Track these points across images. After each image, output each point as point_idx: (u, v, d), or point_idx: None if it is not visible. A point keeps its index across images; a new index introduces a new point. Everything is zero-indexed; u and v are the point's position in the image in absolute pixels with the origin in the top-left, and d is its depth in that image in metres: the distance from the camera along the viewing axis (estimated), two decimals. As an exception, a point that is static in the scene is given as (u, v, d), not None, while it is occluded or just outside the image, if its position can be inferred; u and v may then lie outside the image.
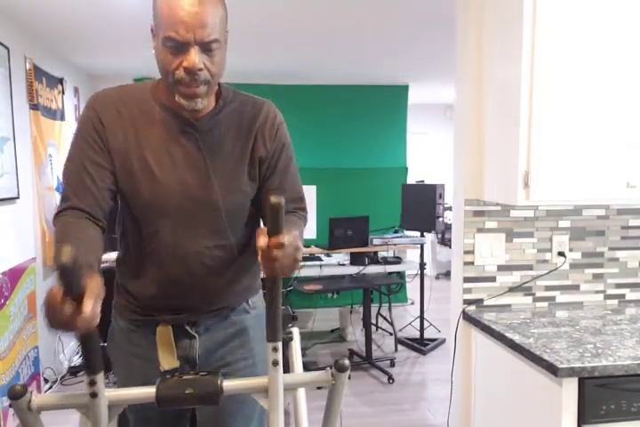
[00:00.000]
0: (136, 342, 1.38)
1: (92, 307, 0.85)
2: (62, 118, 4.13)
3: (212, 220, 1.30)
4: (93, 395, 0.95)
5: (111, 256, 3.10)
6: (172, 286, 1.33)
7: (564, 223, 2.12)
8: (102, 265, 1.15)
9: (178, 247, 1.30)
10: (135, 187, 1.27)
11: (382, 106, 5.73)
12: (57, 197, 3.91)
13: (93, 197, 1.22)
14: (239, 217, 1.34)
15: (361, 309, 4.50)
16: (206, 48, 1.14)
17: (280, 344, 0.99)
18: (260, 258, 0.96)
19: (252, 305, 1.44)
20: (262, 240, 0.93)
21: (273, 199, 0.88)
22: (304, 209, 1.41)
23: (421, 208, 4.43)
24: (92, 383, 0.94)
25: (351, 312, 4.82)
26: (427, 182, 5.22)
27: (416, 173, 6.19)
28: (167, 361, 1.34)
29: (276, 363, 0.99)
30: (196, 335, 1.36)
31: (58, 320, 0.85)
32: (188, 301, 1.34)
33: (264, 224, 1.35)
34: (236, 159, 1.30)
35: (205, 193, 1.28)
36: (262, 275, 1.49)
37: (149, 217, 1.29)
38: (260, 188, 1.35)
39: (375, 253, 4.47)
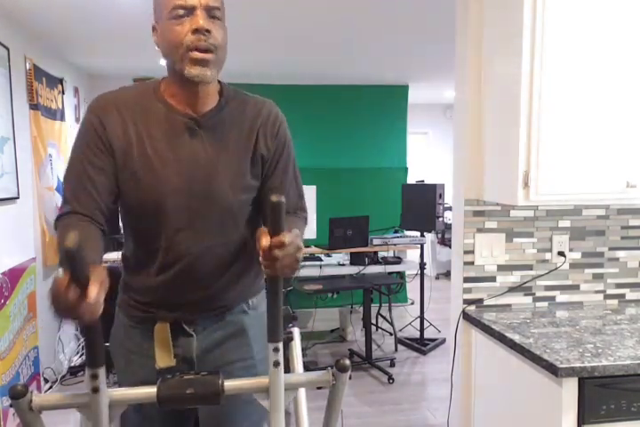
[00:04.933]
0: (135, 338, 1.38)
1: (96, 293, 0.86)
2: (62, 118, 4.13)
3: (216, 218, 1.31)
4: (95, 390, 0.94)
5: (111, 256, 3.14)
6: (173, 283, 1.33)
7: (563, 223, 2.12)
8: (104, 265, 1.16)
9: (180, 245, 1.30)
10: (138, 186, 1.27)
11: (382, 106, 5.72)
12: (57, 197, 3.90)
13: (94, 201, 1.23)
14: (242, 215, 1.34)
15: (361, 309, 4.50)
16: (211, 14, 1.19)
17: (281, 345, 0.99)
18: (261, 258, 0.97)
19: (251, 306, 1.44)
20: (264, 240, 0.94)
21: (274, 198, 0.89)
22: (304, 209, 1.42)
23: (421, 208, 4.43)
24: (94, 377, 0.94)
25: (351, 312, 4.82)
26: (427, 182, 5.22)
27: (416, 173, 6.19)
28: (163, 359, 1.34)
29: (277, 364, 0.99)
30: (194, 334, 1.36)
31: (63, 306, 0.85)
32: (188, 298, 1.35)
33: (264, 224, 1.34)
34: (240, 157, 1.30)
35: (210, 191, 1.28)
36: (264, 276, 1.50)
37: (152, 215, 1.29)
38: (261, 186, 1.35)
39: (375, 253, 4.47)
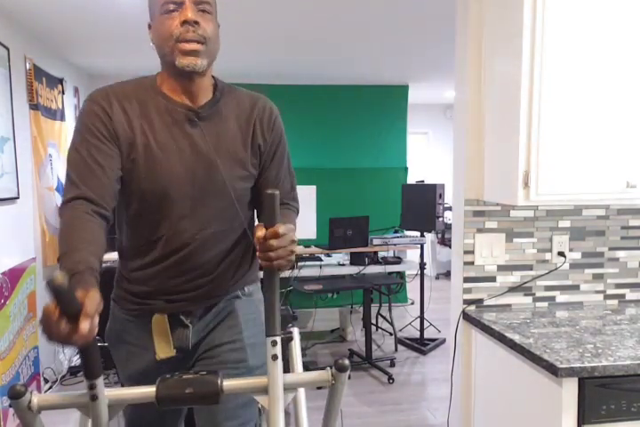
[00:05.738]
0: (133, 331, 1.40)
1: (88, 326, 0.84)
2: (62, 118, 4.13)
3: (218, 205, 1.34)
4: (93, 398, 0.95)
5: (111, 256, 3.14)
6: (173, 272, 1.35)
7: (563, 223, 2.12)
8: (103, 265, 1.15)
9: (184, 233, 1.33)
10: (142, 176, 1.28)
11: (382, 106, 5.73)
12: (57, 197, 3.90)
13: (102, 185, 1.20)
14: (242, 202, 1.38)
15: (361, 309, 4.50)
16: (200, 8, 1.23)
17: (279, 338, 1.00)
18: (257, 249, 1.03)
19: (246, 292, 1.46)
20: (260, 231, 1.01)
21: (269, 192, 0.96)
22: (296, 200, 1.49)
23: (421, 208, 4.43)
24: (92, 387, 0.95)
25: (351, 312, 4.82)
26: (427, 182, 5.22)
27: (416, 173, 6.20)
28: (163, 350, 1.36)
29: (275, 357, 1.00)
30: (190, 325, 1.39)
31: (55, 337, 0.85)
32: (187, 287, 1.36)
33: (259, 216, 1.43)
34: (238, 146, 1.34)
35: (211, 179, 1.31)
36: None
37: (156, 204, 1.30)
38: (258, 178, 1.40)
39: (375, 253, 4.47)
